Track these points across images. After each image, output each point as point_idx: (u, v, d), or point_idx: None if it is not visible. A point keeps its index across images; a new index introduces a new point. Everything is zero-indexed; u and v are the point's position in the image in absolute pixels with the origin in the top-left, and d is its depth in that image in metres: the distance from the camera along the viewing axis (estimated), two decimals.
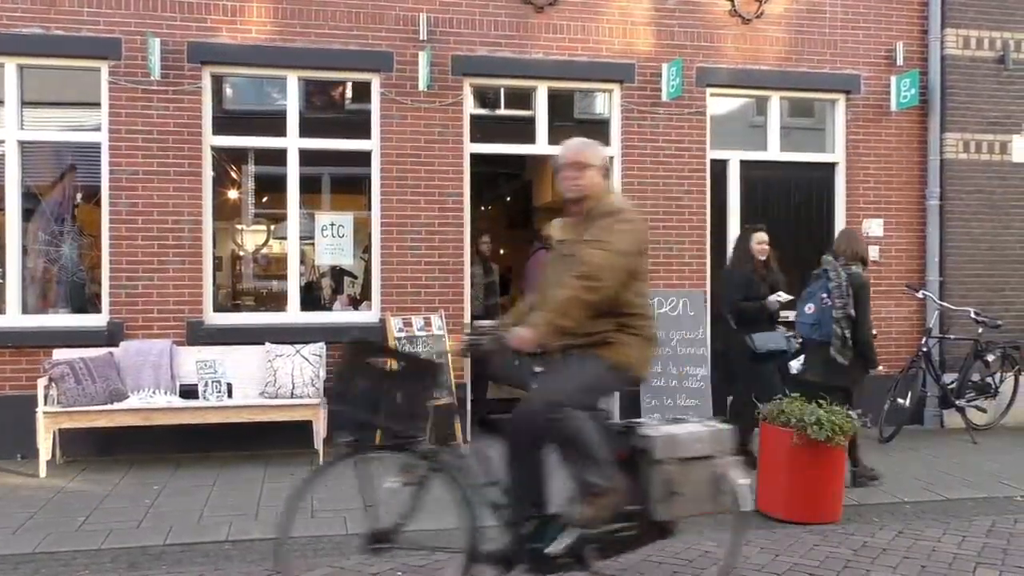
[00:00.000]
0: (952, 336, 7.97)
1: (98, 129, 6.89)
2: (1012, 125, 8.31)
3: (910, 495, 5.76)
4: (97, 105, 6.89)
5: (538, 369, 3.90)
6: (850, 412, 5.16)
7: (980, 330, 7.82)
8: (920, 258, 8.25)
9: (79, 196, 7.19)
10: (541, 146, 7.72)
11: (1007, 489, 5.97)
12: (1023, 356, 8.16)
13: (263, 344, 6.78)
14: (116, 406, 6.26)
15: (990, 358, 7.92)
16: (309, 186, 7.59)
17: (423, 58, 7.07)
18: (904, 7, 8.22)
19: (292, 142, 7.18)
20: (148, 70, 6.71)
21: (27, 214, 7.00)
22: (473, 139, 7.50)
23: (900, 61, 8.14)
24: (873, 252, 8.13)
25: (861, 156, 8.17)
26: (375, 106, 7.29)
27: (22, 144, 6.91)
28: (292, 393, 6.55)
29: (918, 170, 8.26)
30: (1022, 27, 8.32)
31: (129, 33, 6.81)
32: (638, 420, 3.98)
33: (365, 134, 7.33)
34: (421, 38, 7.21)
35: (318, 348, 6.76)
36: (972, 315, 7.75)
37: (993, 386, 7.97)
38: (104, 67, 6.83)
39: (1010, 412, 8.13)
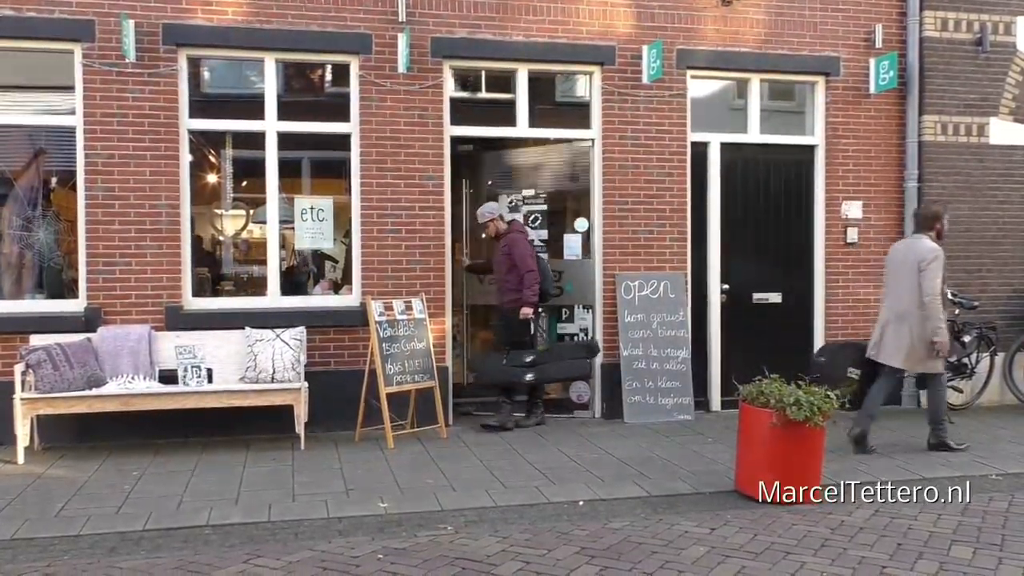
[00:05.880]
0: None
1: (73, 113, 6.79)
2: (989, 107, 8.36)
3: (887, 474, 5.82)
4: (71, 88, 6.78)
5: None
6: (828, 392, 5.20)
7: (957, 311, 7.90)
8: (899, 240, 8.30)
9: (54, 180, 7.10)
10: (522, 129, 7.69)
11: (982, 468, 6.06)
12: (999, 337, 8.24)
13: (243, 329, 6.74)
14: (95, 392, 6.21)
15: (967, 339, 8.00)
16: (288, 170, 7.54)
17: (402, 40, 7.01)
18: None
19: (270, 125, 7.11)
20: (123, 53, 6.60)
21: (1, 199, 6.91)
22: (453, 122, 7.46)
23: (879, 43, 8.16)
24: (852, 234, 8.20)
25: (840, 139, 8.20)
26: (354, 89, 7.23)
27: None
28: (273, 378, 6.52)
29: (896, 152, 8.30)
30: (1000, 9, 8.36)
31: (103, 15, 6.70)
32: None
33: (344, 117, 7.27)
34: (400, 20, 7.15)
35: (299, 332, 6.72)
36: (949, 296, 7.80)
37: (969, 366, 8.05)
38: (78, 50, 6.73)
39: (986, 392, 8.23)
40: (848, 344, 7.36)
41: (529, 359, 7.21)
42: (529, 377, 7.18)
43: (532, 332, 7.40)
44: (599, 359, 7.64)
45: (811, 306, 8.28)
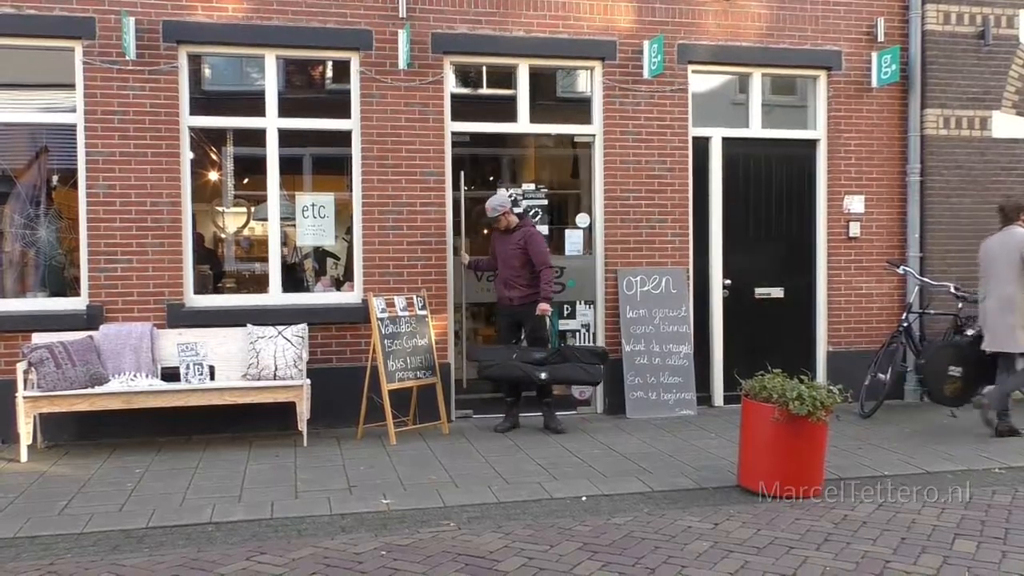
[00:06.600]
0: (932, 311, 8.03)
1: (73, 111, 6.78)
2: (992, 101, 8.34)
3: (890, 468, 5.83)
4: (72, 86, 6.77)
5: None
6: (832, 387, 5.19)
7: (960, 305, 7.87)
8: (901, 234, 8.29)
9: (55, 178, 7.09)
10: (523, 125, 7.68)
11: (986, 462, 6.05)
12: None
13: (245, 326, 6.73)
14: (97, 390, 6.21)
15: (969, 333, 7.97)
16: (289, 167, 7.52)
17: (403, 36, 7.00)
18: None
19: (271, 122, 7.10)
20: (123, 50, 6.59)
21: (2, 197, 6.91)
22: (454, 118, 7.45)
23: (881, 37, 8.14)
24: (854, 228, 8.18)
25: (842, 133, 8.18)
26: (354, 85, 7.22)
27: None
28: (275, 375, 6.52)
29: (899, 146, 8.28)
30: (1001, 2, 8.33)
31: (103, 12, 6.69)
32: None
33: (345, 114, 7.27)
34: (400, 15, 7.13)
35: (300, 329, 6.72)
36: (952, 290, 7.79)
37: None
38: (78, 47, 6.72)
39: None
40: (948, 344, 7.56)
41: (540, 356, 7.00)
42: (543, 375, 6.93)
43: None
44: None
45: (814, 301, 8.27)
